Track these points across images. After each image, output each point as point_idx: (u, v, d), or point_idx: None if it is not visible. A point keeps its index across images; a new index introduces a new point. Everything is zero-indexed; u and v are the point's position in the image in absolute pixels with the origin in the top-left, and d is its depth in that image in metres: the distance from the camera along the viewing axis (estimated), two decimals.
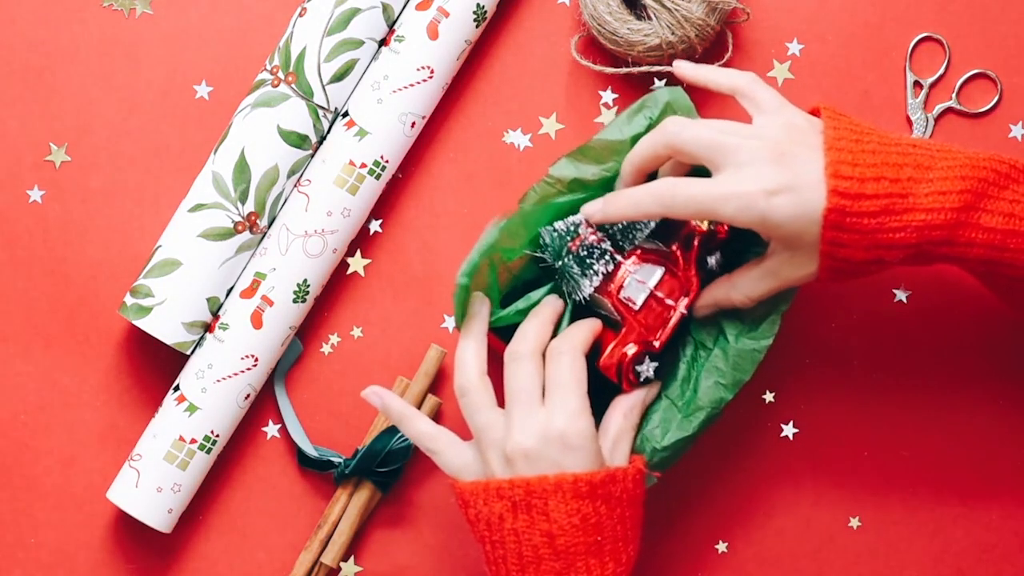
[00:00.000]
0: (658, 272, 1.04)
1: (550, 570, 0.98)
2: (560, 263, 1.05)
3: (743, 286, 1.03)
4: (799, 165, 0.97)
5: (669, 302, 1.04)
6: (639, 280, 1.04)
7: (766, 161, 0.97)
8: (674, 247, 1.05)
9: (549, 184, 1.05)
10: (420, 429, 1.03)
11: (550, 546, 0.97)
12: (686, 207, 0.99)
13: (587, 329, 1.03)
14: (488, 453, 1.00)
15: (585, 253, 1.04)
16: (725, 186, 0.98)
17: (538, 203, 1.05)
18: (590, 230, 1.04)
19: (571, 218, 1.04)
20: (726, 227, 1.04)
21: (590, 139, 1.05)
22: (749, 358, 1.03)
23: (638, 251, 1.05)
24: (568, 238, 1.04)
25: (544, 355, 1.02)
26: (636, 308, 1.04)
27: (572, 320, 1.05)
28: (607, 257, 1.04)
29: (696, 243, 1.04)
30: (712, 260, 1.05)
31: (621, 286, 1.04)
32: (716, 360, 1.04)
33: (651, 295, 1.04)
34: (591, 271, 1.04)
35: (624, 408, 1.03)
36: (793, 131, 0.99)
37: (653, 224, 1.05)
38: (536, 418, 0.99)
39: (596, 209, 1.03)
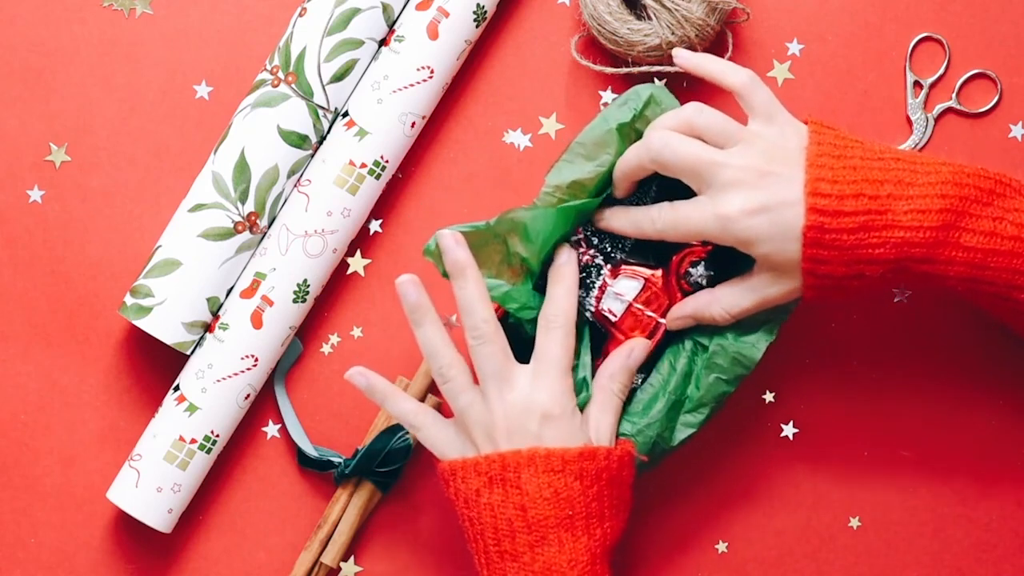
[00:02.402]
0: (637, 286, 1.05)
1: (523, 542, 0.99)
2: None
3: (724, 299, 1.03)
4: (781, 185, 0.99)
5: (649, 314, 1.05)
6: (617, 293, 1.05)
7: (748, 183, 1.00)
8: (655, 261, 1.06)
9: (549, 194, 1.05)
10: (403, 407, 1.04)
11: (523, 519, 0.99)
12: (673, 230, 1.02)
13: (572, 300, 1.03)
14: (473, 432, 1.02)
15: (584, 274, 1.05)
16: (707, 207, 1.00)
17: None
18: (582, 250, 1.05)
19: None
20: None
21: (577, 136, 1.06)
22: (749, 353, 1.04)
23: (624, 265, 1.05)
24: None
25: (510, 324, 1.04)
26: (615, 320, 1.05)
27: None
28: (603, 271, 1.05)
29: (675, 258, 1.04)
30: (697, 273, 1.05)
31: (600, 298, 1.05)
32: (716, 357, 1.04)
33: (629, 308, 1.05)
34: (592, 290, 1.05)
35: (604, 376, 1.04)
36: (779, 148, 1.01)
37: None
38: (515, 394, 1.01)
39: (600, 216, 1.06)
